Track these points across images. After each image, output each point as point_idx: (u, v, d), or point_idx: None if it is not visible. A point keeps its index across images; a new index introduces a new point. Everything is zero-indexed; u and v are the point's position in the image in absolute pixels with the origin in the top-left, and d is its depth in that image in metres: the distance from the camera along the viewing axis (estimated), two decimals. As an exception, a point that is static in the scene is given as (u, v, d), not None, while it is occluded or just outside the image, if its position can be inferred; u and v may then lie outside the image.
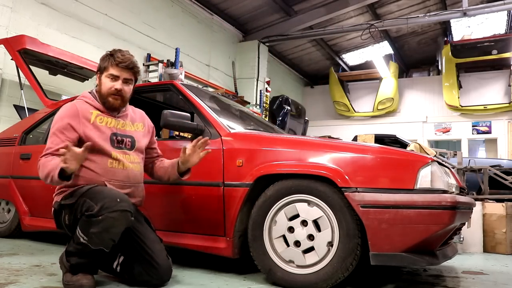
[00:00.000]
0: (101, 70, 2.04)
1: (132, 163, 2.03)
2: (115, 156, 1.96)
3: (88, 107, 2.01)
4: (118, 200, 1.75)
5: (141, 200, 2.12)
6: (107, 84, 2.01)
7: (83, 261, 1.81)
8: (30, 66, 4.30)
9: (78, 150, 1.72)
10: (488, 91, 10.51)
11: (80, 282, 1.78)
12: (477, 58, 10.07)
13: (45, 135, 3.28)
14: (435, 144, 10.76)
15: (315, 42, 10.68)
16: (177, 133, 3.29)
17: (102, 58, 2.05)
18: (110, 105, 2.02)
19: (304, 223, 1.98)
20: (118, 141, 2.01)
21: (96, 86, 2.09)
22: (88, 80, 5.19)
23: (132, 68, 2.03)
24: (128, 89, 2.05)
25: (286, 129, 9.16)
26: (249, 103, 8.27)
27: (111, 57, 2.01)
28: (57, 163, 1.76)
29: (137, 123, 2.15)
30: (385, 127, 10.70)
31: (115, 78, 2.00)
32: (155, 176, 2.24)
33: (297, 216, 2.00)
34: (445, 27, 10.55)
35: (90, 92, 2.10)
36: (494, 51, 9.90)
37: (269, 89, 9.43)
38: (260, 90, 9.13)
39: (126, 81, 2.03)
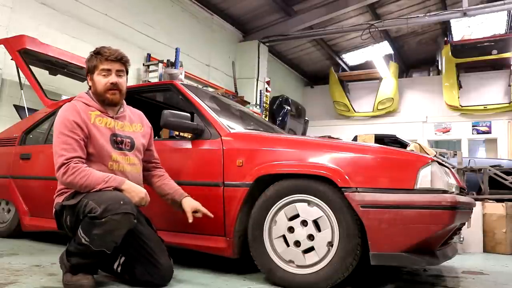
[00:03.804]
0: (91, 70, 2.02)
1: (131, 165, 2.02)
2: (115, 157, 1.95)
3: (86, 107, 1.98)
4: (122, 202, 1.74)
5: None
6: (102, 81, 1.99)
7: (83, 262, 1.81)
8: (30, 66, 4.30)
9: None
10: (488, 91, 10.50)
11: (80, 282, 1.78)
12: (477, 58, 10.06)
13: (45, 135, 3.29)
14: (435, 144, 10.74)
15: (315, 42, 10.68)
16: (177, 133, 3.29)
17: (89, 59, 2.03)
18: (110, 101, 2.01)
19: (304, 223, 1.98)
20: (118, 141, 1.99)
21: (90, 88, 2.05)
22: (88, 80, 5.18)
23: (121, 58, 2.01)
24: (123, 81, 2.04)
25: (286, 129, 9.16)
26: (249, 103, 8.27)
27: (98, 54, 2.00)
28: (108, 179, 1.82)
29: (135, 123, 2.14)
30: (385, 127, 10.69)
31: (107, 73, 1.99)
32: (154, 187, 2.20)
33: (297, 216, 2.00)
34: (445, 27, 10.54)
35: (86, 93, 2.07)
36: (494, 51, 9.89)
37: (269, 89, 9.43)
38: (260, 90, 9.13)
39: (119, 74, 2.01)
